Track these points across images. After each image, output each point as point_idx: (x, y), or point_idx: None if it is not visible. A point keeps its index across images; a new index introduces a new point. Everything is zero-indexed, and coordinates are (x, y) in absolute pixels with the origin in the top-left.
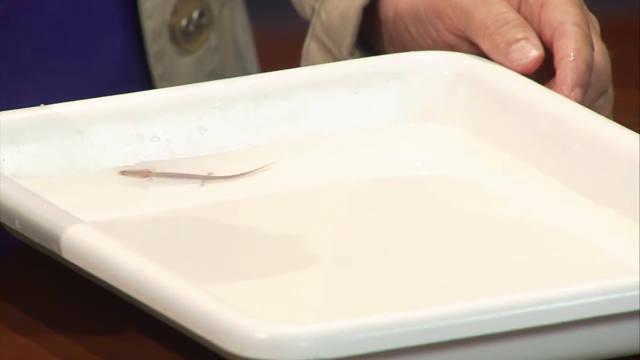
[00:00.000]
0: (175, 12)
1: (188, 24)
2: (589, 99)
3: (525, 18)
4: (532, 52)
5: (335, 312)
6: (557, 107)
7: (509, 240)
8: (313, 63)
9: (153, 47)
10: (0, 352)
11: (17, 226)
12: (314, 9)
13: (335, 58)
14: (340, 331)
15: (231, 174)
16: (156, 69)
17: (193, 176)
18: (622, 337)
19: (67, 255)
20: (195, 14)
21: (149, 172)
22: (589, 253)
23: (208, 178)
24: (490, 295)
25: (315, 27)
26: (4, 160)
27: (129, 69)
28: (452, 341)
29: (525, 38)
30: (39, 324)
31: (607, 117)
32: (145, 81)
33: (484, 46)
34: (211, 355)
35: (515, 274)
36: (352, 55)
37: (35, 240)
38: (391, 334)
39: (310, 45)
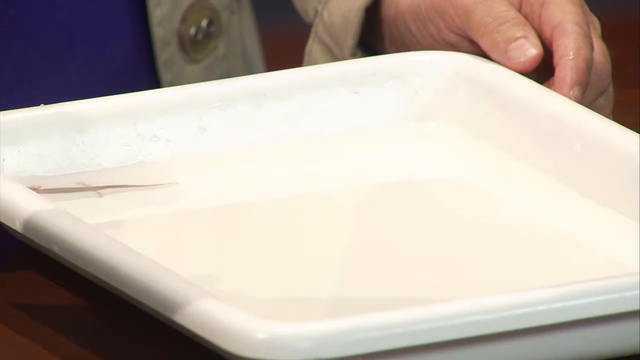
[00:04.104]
0: (184, 20)
1: (197, 32)
2: (588, 99)
3: (526, 17)
4: (531, 51)
5: (335, 312)
6: (558, 107)
7: (509, 240)
8: (315, 64)
9: (162, 55)
10: (0, 352)
11: (17, 226)
12: (316, 11)
13: (337, 59)
14: (340, 331)
15: (125, 184)
16: (165, 77)
17: (84, 189)
18: (622, 337)
19: (67, 255)
20: (204, 23)
21: (37, 188)
22: (588, 253)
23: (98, 189)
24: (490, 295)
25: (318, 28)
26: (4, 160)
27: (137, 77)
28: (452, 341)
29: (525, 36)
30: (39, 324)
31: (607, 117)
32: (153, 89)
33: (484, 44)
34: (211, 355)
35: (515, 274)
36: (354, 56)
37: (35, 240)
38: (391, 334)
39: (312, 47)
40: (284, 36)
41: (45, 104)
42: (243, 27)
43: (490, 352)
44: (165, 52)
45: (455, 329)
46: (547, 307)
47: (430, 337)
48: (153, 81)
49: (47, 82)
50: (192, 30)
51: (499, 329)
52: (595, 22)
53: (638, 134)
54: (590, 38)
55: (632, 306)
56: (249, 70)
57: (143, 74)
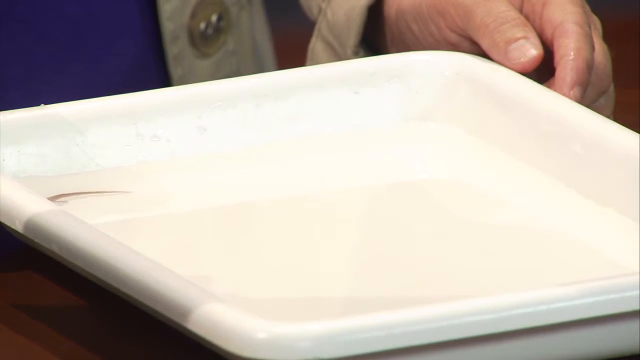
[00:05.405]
0: (194, 15)
1: (207, 27)
2: (589, 99)
3: (527, 17)
4: (531, 51)
5: (335, 312)
6: (558, 107)
7: (509, 240)
8: (318, 63)
9: (172, 49)
10: (0, 352)
11: (17, 226)
12: (320, 9)
13: (340, 58)
14: (340, 331)
15: (81, 191)
16: (175, 72)
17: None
18: (622, 337)
19: (67, 255)
20: (214, 18)
21: None
22: (588, 253)
23: (58, 197)
24: (490, 295)
25: (321, 26)
26: (4, 160)
27: (147, 72)
28: (452, 341)
29: (525, 37)
30: (39, 324)
31: (608, 117)
32: (163, 84)
33: (484, 44)
34: (211, 355)
35: (516, 274)
36: (356, 55)
37: (36, 240)
38: (391, 334)
39: (315, 45)
40: (295, 34)
41: (53, 99)
42: (254, 24)
43: (490, 352)
44: (175, 47)
45: (455, 329)
46: (547, 307)
47: (430, 337)
48: (163, 76)
49: (56, 78)
50: (202, 25)
51: (499, 329)
52: (596, 22)
53: (638, 134)
54: (591, 38)
55: (632, 306)
56: (259, 66)
57: (153, 69)
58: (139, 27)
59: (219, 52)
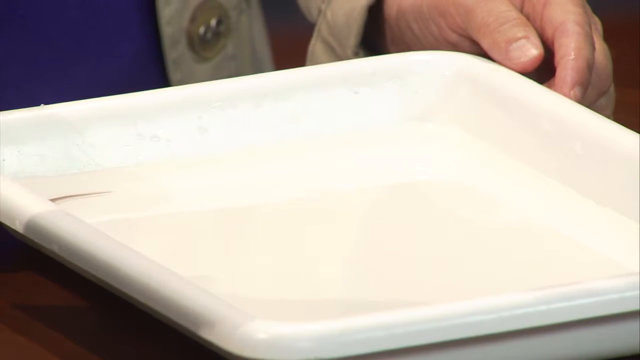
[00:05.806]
0: (193, 19)
1: (206, 31)
2: (589, 99)
3: (528, 17)
4: (532, 51)
5: (335, 312)
6: (558, 107)
7: (508, 240)
8: (318, 63)
9: (171, 53)
10: (0, 352)
11: (17, 226)
12: (320, 10)
13: (340, 58)
14: (340, 331)
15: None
16: (174, 76)
17: None
18: (622, 337)
19: (67, 255)
20: (213, 22)
21: None
22: (588, 253)
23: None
24: (490, 295)
25: (321, 27)
26: (4, 160)
27: (146, 76)
28: (452, 341)
29: (526, 37)
30: (39, 324)
31: (608, 117)
32: (163, 87)
33: (484, 44)
34: (211, 355)
35: (515, 274)
36: (356, 55)
37: (36, 240)
38: (392, 334)
39: (315, 46)
40: (293, 36)
41: (53, 101)
42: (252, 27)
43: (490, 352)
44: (175, 51)
45: (455, 329)
46: (547, 307)
47: (430, 337)
48: (162, 80)
49: (56, 81)
50: (202, 30)
51: (499, 329)
52: (597, 22)
53: (638, 134)
54: (592, 38)
55: (632, 306)
56: (257, 70)
57: (152, 73)
58: (138, 31)
59: (218, 56)
